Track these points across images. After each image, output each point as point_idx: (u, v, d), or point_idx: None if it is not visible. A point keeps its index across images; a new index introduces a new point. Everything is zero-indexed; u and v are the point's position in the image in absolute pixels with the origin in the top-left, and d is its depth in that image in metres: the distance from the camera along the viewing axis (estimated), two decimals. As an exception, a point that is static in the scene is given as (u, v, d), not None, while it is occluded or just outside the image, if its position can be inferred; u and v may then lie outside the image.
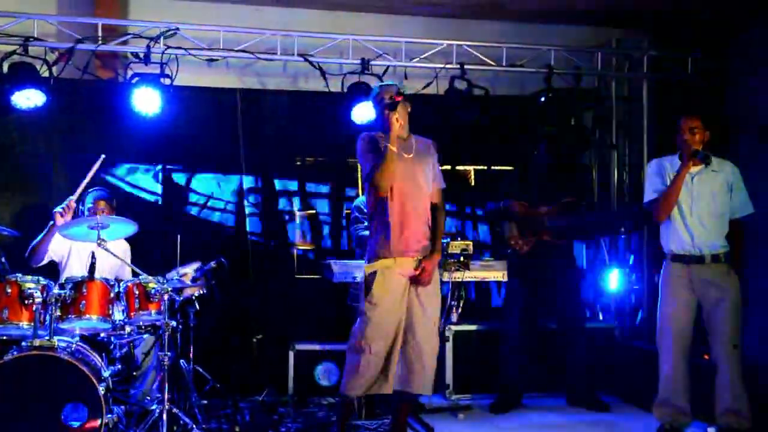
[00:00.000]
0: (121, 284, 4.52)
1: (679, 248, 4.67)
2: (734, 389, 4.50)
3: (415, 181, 4.39)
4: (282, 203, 6.40)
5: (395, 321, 4.33)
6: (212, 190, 6.31)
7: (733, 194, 4.66)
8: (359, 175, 6.39)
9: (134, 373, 4.86)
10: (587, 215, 5.41)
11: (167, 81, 5.70)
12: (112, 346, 4.78)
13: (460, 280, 5.15)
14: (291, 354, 5.53)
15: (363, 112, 5.90)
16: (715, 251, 4.60)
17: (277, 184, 6.41)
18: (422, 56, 6.31)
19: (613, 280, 6.72)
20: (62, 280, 4.54)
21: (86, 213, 5.17)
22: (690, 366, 4.64)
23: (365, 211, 5.01)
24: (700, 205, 4.62)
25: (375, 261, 4.35)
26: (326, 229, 6.31)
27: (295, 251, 5.74)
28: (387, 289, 4.31)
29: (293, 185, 6.43)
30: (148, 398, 4.81)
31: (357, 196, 6.26)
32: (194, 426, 4.47)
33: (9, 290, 4.17)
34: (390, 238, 4.31)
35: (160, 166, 6.20)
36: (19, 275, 4.27)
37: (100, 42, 5.74)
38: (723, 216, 4.65)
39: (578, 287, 5.92)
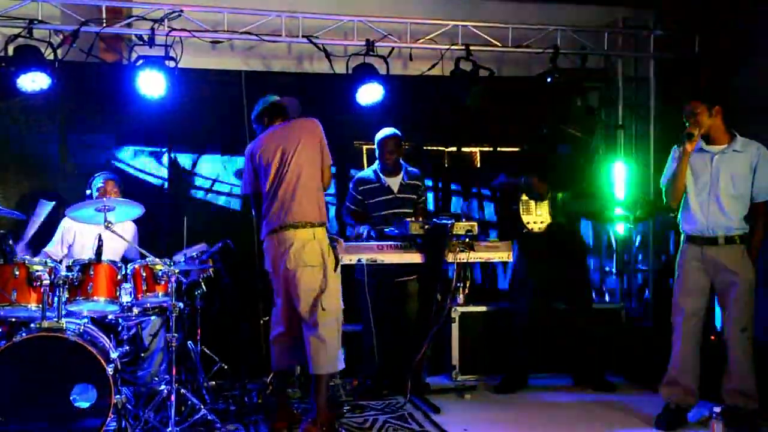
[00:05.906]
0: (128, 266, 4.54)
1: (693, 229, 4.61)
2: (741, 370, 4.49)
3: None
4: (288, 185, 6.38)
5: None
6: (218, 172, 6.31)
7: (757, 176, 4.50)
8: (365, 157, 6.41)
9: (142, 355, 4.90)
10: (603, 200, 5.40)
11: (172, 63, 5.69)
12: (120, 328, 4.82)
13: (465, 261, 5.14)
14: (298, 335, 5.55)
15: (368, 94, 5.93)
16: (730, 233, 4.51)
17: (283, 167, 6.39)
18: (427, 37, 6.28)
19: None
20: (69, 262, 4.56)
21: (94, 195, 5.18)
22: (701, 347, 4.62)
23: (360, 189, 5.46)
24: (719, 186, 4.51)
25: None
26: (332, 211, 6.29)
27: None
28: None
29: (299, 167, 6.40)
30: (156, 379, 4.85)
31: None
32: (202, 406, 4.51)
33: (17, 272, 4.18)
34: None
35: (165, 149, 6.19)
36: (27, 258, 4.30)
37: (104, 24, 5.74)
38: (743, 197, 4.52)
39: (586, 268, 5.92)
